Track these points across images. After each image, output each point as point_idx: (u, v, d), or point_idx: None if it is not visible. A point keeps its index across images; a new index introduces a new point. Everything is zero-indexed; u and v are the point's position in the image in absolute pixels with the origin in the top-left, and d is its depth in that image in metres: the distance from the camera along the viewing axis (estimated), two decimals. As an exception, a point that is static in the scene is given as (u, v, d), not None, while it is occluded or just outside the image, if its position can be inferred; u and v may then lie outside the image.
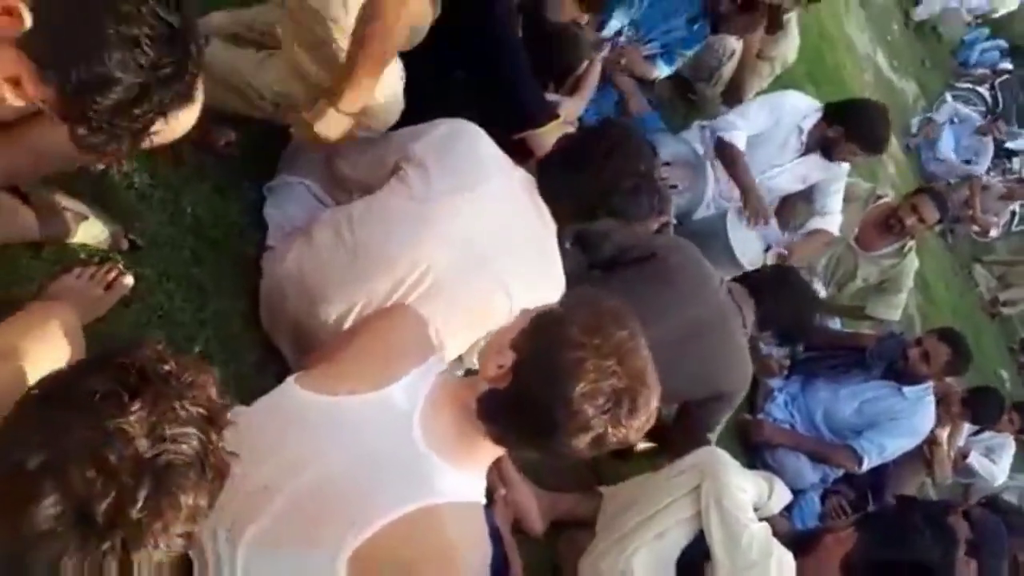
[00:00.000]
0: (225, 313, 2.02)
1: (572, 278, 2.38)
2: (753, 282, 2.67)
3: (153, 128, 1.16)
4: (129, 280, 1.85)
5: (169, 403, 0.96)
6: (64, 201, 1.78)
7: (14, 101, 1.14)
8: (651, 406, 1.32)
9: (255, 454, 1.33)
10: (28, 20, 1.05)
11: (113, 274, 1.83)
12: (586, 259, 2.68)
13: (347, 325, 1.90)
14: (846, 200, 3.99)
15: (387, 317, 1.51)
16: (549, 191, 2.02)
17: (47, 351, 1.29)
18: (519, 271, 1.95)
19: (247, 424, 1.38)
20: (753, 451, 3.48)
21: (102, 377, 0.95)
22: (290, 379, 1.45)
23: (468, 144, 1.97)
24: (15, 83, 1.10)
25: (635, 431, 1.31)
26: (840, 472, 3.54)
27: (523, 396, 1.29)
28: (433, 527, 1.29)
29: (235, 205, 2.16)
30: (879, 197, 4.13)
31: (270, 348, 2.06)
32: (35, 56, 1.07)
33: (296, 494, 1.31)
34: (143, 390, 0.95)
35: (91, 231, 1.83)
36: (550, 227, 2.04)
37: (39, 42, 1.07)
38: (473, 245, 1.90)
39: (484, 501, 1.41)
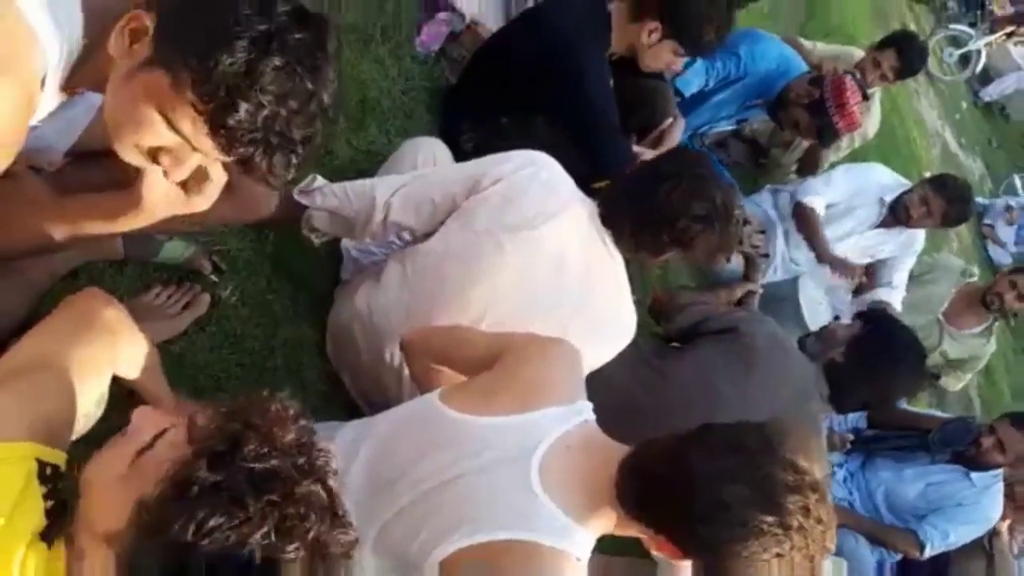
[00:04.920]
0: (295, 342, 2.02)
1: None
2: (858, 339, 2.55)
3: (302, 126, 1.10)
4: (206, 300, 1.86)
5: None
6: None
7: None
8: None
9: (391, 459, 1.43)
10: (151, 28, 1.08)
11: (191, 295, 1.84)
12: (663, 329, 2.62)
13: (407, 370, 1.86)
14: (935, 271, 3.98)
15: (543, 346, 1.49)
16: (613, 214, 1.89)
17: (95, 355, 1.25)
18: (581, 316, 1.86)
19: (385, 430, 1.48)
20: (808, 528, 3.34)
21: None
22: (434, 395, 1.46)
23: (539, 178, 1.87)
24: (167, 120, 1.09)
25: None
26: (898, 557, 3.39)
27: (693, 498, 1.21)
28: (528, 563, 1.28)
29: (316, 234, 2.16)
30: (971, 275, 4.10)
31: (336, 380, 2.05)
32: (164, 60, 1.07)
33: (416, 497, 1.36)
34: None
35: (175, 250, 1.84)
36: (618, 263, 1.93)
37: (165, 44, 1.07)
38: (535, 289, 1.83)
39: (586, 558, 1.35)
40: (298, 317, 2.04)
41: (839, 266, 3.48)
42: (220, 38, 1.04)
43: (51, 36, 1.08)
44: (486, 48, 2.71)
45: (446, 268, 1.83)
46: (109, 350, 1.28)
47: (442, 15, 2.87)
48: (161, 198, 1.22)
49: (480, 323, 1.80)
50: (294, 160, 1.14)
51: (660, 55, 2.51)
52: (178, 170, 1.18)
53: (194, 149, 1.13)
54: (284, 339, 1.99)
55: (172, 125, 1.10)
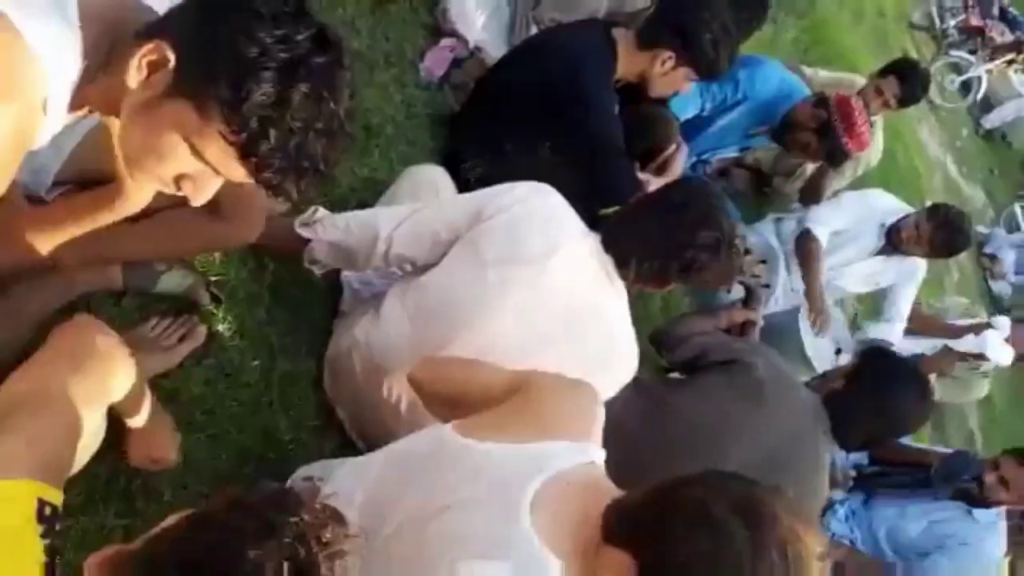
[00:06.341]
0: (292, 375, 1.98)
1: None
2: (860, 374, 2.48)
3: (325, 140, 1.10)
4: (203, 332, 1.83)
5: None
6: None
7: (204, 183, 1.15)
8: None
9: (386, 487, 1.36)
10: (172, 60, 1.06)
11: (188, 327, 1.81)
12: (665, 359, 2.58)
13: (405, 404, 1.83)
14: None
15: (565, 384, 1.45)
16: (617, 242, 1.86)
17: (96, 389, 1.25)
18: (585, 352, 1.82)
19: (386, 461, 1.42)
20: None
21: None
22: (448, 424, 1.39)
23: (541, 211, 1.85)
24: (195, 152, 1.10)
25: None
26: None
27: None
28: None
29: (316, 264, 2.13)
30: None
31: (332, 415, 2.01)
32: (190, 91, 1.06)
33: (399, 527, 1.28)
34: None
35: (172, 280, 1.81)
36: (621, 296, 1.89)
37: (190, 75, 1.06)
38: (535, 324, 1.79)
39: None
40: (296, 349, 2.00)
41: (820, 313, 3.35)
42: (248, 68, 1.03)
43: (53, 58, 1.05)
44: (490, 75, 2.69)
45: (450, 303, 1.80)
46: (104, 380, 1.27)
47: (446, 41, 2.86)
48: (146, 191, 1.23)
49: (483, 360, 1.76)
50: (319, 179, 1.14)
51: (673, 82, 2.49)
52: (200, 195, 1.17)
53: (218, 174, 1.13)
54: (282, 372, 1.95)
55: (199, 154, 1.09)
